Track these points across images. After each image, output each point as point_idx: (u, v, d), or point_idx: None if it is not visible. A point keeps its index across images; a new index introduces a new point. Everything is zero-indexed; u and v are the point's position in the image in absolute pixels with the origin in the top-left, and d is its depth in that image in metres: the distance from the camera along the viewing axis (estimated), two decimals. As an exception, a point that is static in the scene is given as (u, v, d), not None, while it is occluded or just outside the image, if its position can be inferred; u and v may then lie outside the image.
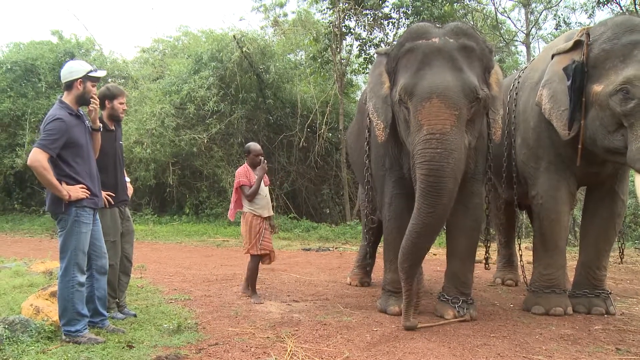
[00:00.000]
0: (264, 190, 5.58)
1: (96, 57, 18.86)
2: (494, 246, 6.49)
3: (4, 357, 3.24)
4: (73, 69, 3.92)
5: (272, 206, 5.89)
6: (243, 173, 5.52)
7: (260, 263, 5.59)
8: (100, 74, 4.03)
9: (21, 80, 16.23)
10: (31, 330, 3.65)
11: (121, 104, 4.62)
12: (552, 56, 4.86)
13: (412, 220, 3.98)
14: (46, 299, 4.12)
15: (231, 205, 5.72)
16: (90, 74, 3.92)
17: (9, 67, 16.00)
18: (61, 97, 3.93)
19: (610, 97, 4.24)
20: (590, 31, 4.60)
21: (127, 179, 4.92)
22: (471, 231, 4.73)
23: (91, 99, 3.94)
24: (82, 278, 3.78)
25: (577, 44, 4.62)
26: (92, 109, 3.96)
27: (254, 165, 5.57)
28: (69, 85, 3.90)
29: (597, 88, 4.37)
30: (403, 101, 4.11)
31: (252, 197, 5.45)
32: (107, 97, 4.59)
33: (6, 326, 3.53)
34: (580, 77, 4.50)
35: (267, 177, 5.70)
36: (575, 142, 4.62)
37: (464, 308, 4.65)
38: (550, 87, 4.76)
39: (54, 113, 3.79)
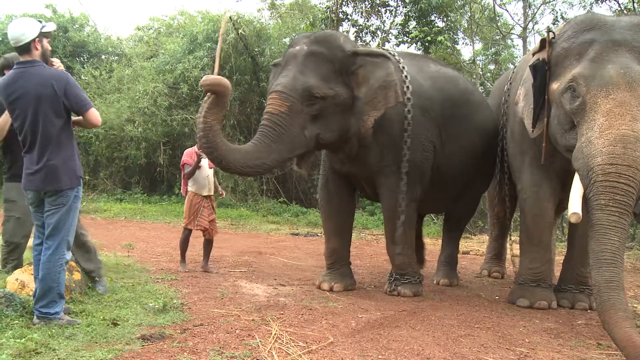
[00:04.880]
0: (207, 171, 6.03)
1: (90, 33, 18.66)
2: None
3: (-12, 331, 3.23)
4: (25, 29, 3.55)
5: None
6: (189, 153, 6.04)
7: (203, 237, 6.17)
8: (51, 27, 3.73)
9: (14, 53, 15.95)
10: (16, 304, 3.62)
11: None
12: (533, 54, 4.84)
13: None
14: (31, 274, 4.09)
15: (182, 182, 6.22)
16: (43, 30, 3.62)
17: (1, 39, 15.80)
18: (27, 59, 3.57)
19: (561, 95, 4.22)
20: (555, 30, 4.59)
21: None
22: (387, 219, 5.26)
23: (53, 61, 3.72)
24: (69, 256, 3.71)
25: (543, 43, 4.61)
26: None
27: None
28: (26, 48, 3.55)
29: (554, 86, 4.35)
30: None
31: (189, 176, 5.96)
32: (6, 67, 4.41)
33: (-9, 300, 3.51)
34: (541, 75, 4.48)
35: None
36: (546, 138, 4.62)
37: (392, 285, 5.26)
38: (525, 85, 4.77)
39: (61, 71, 3.64)
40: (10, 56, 4.55)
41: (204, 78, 4.17)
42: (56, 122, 3.53)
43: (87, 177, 14.03)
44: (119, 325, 3.62)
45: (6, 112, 4.16)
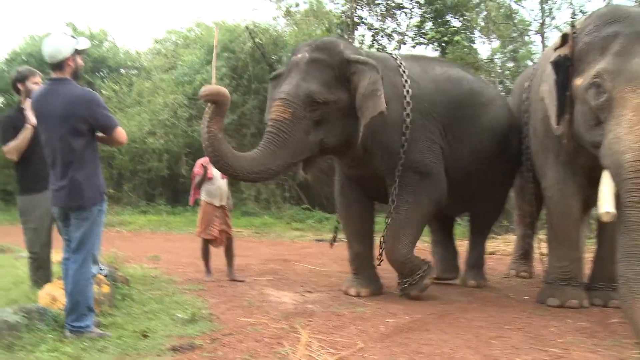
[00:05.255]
0: (219, 181, 6.11)
1: (109, 48, 18.91)
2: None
3: (22, 345, 3.27)
4: (60, 47, 3.62)
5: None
6: (199, 163, 6.14)
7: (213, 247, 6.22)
8: (85, 43, 3.83)
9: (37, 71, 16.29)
10: (48, 318, 3.67)
11: (35, 83, 4.44)
12: (554, 50, 4.76)
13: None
14: (61, 288, 4.13)
15: (191, 192, 6.34)
16: (77, 48, 3.70)
17: (25, 59, 16.12)
18: (58, 76, 3.65)
19: (586, 91, 4.14)
20: (577, 24, 4.50)
21: None
22: (391, 218, 5.13)
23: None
24: (95, 269, 3.76)
25: (564, 38, 4.53)
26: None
27: None
28: (60, 65, 3.62)
29: (578, 82, 4.26)
30: None
31: (198, 186, 6.12)
32: (18, 80, 4.50)
33: (24, 314, 3.55)
34: (563, 71, 4.39)
35: None
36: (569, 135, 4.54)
37: (400, 291, 5.26)
38: (548, 81, 4.69)
39: (87, 91, 3.72)
40: (23, 69, 4.66)
41: (202, 89, 4.26)
42: (80, 140, 3.58)
43: (111, 191, 14.17)
44: (149, 336, 3.65)
45: (24, 129, 4.31)
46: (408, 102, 5.01)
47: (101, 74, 18.12)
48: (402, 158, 5.02)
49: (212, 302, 4.87)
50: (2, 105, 16.55)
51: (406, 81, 5.07)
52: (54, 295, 4.05)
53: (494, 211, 6.44)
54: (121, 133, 3.75)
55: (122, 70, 18.73)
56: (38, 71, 4.62)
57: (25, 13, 36.57)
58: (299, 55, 4.90)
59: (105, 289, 4.38)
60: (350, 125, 4.84)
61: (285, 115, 4.60)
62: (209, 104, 4.27)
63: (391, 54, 5.58)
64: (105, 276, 4.63)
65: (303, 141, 4.68)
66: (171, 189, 15.70)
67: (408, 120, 5.00)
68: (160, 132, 14.13)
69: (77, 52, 3.72)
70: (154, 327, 3.89)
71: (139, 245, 9.43)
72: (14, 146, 4.35)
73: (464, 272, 6.18)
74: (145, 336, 3.66)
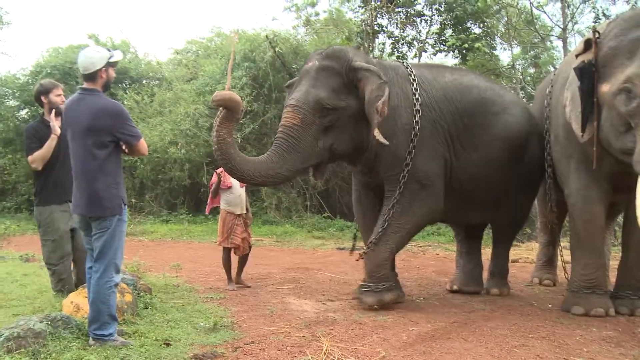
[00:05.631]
0: (239, 190, 6.24)
1: (131, 60, 19.16)
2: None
3: (48, 353, 3.31)
4: (94, 59, 3.69)
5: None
6: (216, 174, 6.26)
7: (234, 254, 6.28)
8: (118, 56, 3.87)
9: (60, 83, 16.54)
10: (72, 327, 3.70)
11: (58, 95, 4.63)
12: (576, 56, 4.70)
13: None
14: (85, 297, 4.18)
15: (208, 201, 6.50)
16: (110, 60, 3.76)
17: (49, 71, 16.40)
18: (89, 87, 3.71)
19: (615, 97, 4.07)
20: (600, 29, 4.44)
21: None
22: (386, 223, 5.09)
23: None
24: (118, 278, 3.75)
25: (588, 44, 4.46)
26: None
27: None
28: (92, 77, 3.69)
29: (605, 88, 4.21)
30: None
31: (213, 195, 6.30)
32: (42, 92, 4.64)
33: (49, 322, 3.59)
34: (588, 77, 4.34)
35: None
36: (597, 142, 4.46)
37: (357, 291, 5.18)
38: (571, 88, 4.62)
39: (113, 103, 3.75)
40: (45, 82, 4.79)
41: (215, 94, 4.38)
42: (104, 150, 3.62)
43: (133, 200, 14.32)
44: (171, 345, 3.67)
45: (50, 140, 4.46)
46: (418, 110, 5.05)
47: (123, 84, 18.35)
48: (408, 165, 5.03)
49: (234, 310, 4.88)
50: (27, 117, 16.87)
51: (416, 89, 5.12)
52: (77, 303, 4.10)
53: (517, 219, 6.35)
54: (143, 145, 3.80)
55: (144, 81, 18.95)
56: (61, 83, 4.73)
57: (49, 26, 37.34)
58: (310, 64, 5.06)
59: (128, 297, 4.42)
60: (361, 132, 4.91)
61: (294, 121, 4.75)
62: (220, 109, 4.37)
63: (402, 62, 5.65)
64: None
65: (312, 146, 4.78)
66: (193, 198, 15.80)
67: (417, 127, 5.03)
68: (182, 142, 14.25)
69: (110, 64, 3.78)
70: (177, 336, 3.90)
71: (161, 254, 9.51)
72: (38, 155, 4.45)
73: (487, 280, 6.11)
74: (167, 344, 3.68)
